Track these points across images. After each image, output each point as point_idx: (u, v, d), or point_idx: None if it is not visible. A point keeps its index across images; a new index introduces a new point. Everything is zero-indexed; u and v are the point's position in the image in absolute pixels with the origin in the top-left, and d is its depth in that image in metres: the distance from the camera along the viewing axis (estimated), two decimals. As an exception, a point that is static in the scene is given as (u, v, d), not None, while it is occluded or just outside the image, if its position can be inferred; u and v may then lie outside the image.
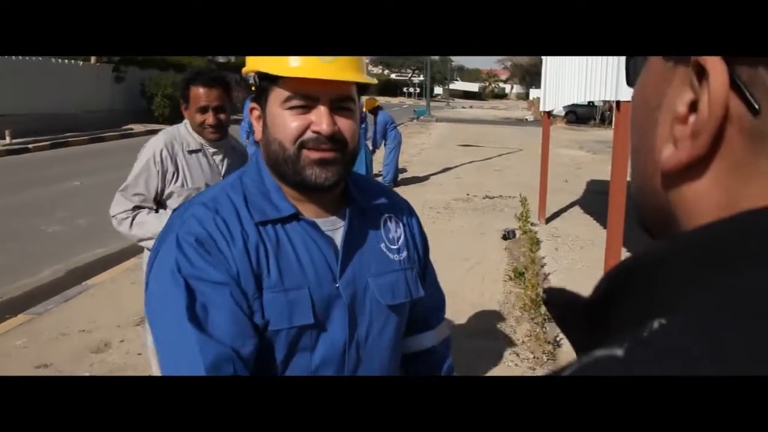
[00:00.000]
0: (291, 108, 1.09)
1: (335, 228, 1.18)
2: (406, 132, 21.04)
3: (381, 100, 11.62)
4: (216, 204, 1.11)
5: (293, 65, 1.07)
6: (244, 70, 1.16)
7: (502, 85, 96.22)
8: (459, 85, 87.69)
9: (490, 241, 6.96)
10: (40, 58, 16.79)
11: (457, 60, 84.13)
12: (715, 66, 0.35)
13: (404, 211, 1.34)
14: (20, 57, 15.83)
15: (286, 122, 1.10)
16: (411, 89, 62.96)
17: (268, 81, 1.10)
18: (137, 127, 18.90)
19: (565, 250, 6.54)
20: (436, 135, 21.86)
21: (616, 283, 0.37)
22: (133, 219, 2.62)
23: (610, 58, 4.49)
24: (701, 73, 0.35)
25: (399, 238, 1.28)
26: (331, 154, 1.10)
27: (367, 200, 1.25)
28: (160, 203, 2.69)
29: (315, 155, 1.09)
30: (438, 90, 77.46)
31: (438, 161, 13.72)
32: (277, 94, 1.10)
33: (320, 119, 1.08)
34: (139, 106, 20.66)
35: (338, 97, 1.11)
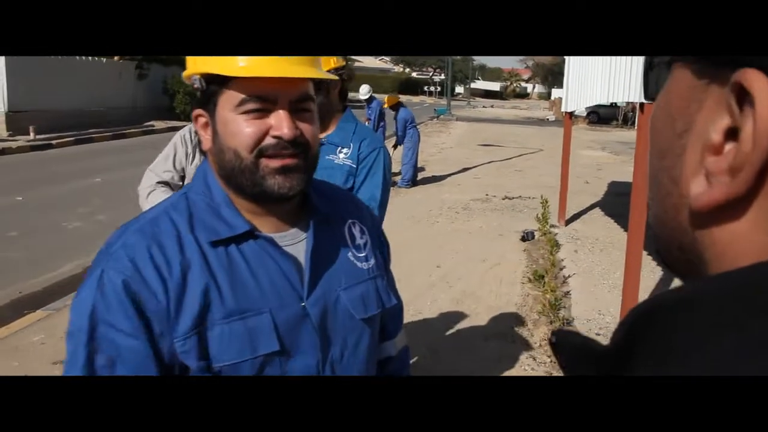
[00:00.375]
0: (246, 112, 0.98)
1: (297, 241, 1.08)
2: (426, 131, 20.98)
3: (402, 98, 11.56)
4: (154, 228, 1.00)
5: (242, 64, 0.97)
6: (185, 73, 1.04)
7: (523, 84, 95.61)
8: (480, 84, 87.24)
9: (508, 243, 6.89)
10: (63, 56, 17.01)
11: (479, 59, 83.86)
12: (763, 89, 0.29)
13: (366, 214, 1.25)
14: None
15: (241, 128, 0.98)
16: (432, 88, 62.79)
17: (216, 84, 1.00)
18: (159, 124, 19.05)
19: (584, 252, 6.46)
20: (456, 134, 21.76)
21: (637, 330, 0.33)
22: (149, 194, 2.63)
23: (635, 59, 4.41)
24: (743, 96, 0.30)
25: (365, 245, 1.18)
26: (293, 160, 1.00)
27: (330, 207, 1.14)
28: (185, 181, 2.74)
29: (276, 163, 0.99)
30: (459, 89, 77.18)
31: (457, 161, 13.64)
32: (229, 98, 0.99)
33: (280, 123, 0.98)
34: (161, 103, 20.82)
35: (297, 98, 1.01)
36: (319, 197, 1.13)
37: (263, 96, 0.98)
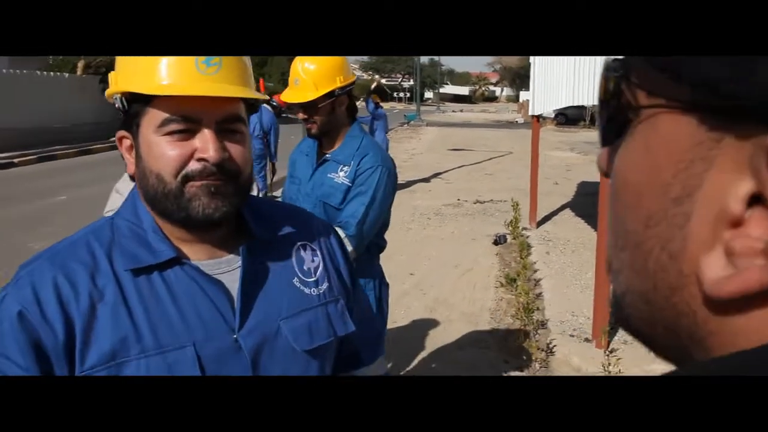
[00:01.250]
0: (169, 134, 0.92)
1: (231, 269, 1.00)
2: (396, 137, 21.02)
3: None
4: (67, 256, 0.93)
5: (165, 82, 0.91)
6: (108, 92, 0.98)
7: (492, 88, 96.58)
8: (449, 89, 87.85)
9: (481, 247, 6.90)
10: (25, 71, 16.70)
11: (447, 64, 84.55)
12: None
13: (323, 235, 1.14)
14: (3, 71, 15.73)
15: (164, 151, 0.92)
16: (401, 94, 63.06)
17: (139, 103, 0.93)
18: (125, 139, 18.79)
19: (556, 253, 6.49)
20: (426, 140, 21.83)
21: None
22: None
23: (597, 61, 4.44)
24: None
25: (317, 269, 1.09)
26: (220, 183, 0.93)
27: (272, 230, 1.06)
28: None
29: (201, 182, 0.93)
30: (428, 94, 77.63)
31: (428, 166, 13.67)
32: (151, 118, 0.92)
33: (206, 145, 0.91)
34: (127, 118, 20.56)
35: (224, 118, 0.94)
36: (260, 221, 1.06)
37: (187, 116, 0.91)
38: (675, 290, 0.30)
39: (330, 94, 2.25)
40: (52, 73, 18.27)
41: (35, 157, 14.48)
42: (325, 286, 1.09)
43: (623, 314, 0.35)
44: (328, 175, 2.28)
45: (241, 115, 0.97)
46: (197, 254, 0.99)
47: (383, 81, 76.17)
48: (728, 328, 0.28)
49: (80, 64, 19.68)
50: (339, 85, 2.25)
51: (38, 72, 17.55)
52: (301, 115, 2.30)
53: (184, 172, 0.92)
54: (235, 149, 0.95)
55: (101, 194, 2.95)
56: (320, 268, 1.10)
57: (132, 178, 1.01)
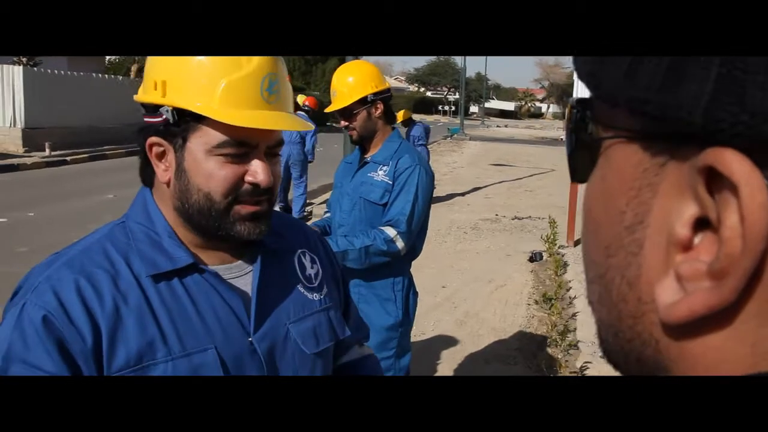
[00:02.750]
0: (223, 155, 0.94)
1: (243, 274, 1.04)
2: (439, 150, 21.00)
3: (416, 117, 11.58)
4: (85, 260, 0.93)
5: (228, 105, 0.91)
6: (145, 98, 0.97)
7: (538, 104, 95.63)
8: (495, 104, 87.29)
9: (516, 264, 6.84)
10: (82, 73, 17.26)
11: (494, 78, 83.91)
12: (747, 175, 0.24)
13: (318, 243, 1.21)
14: (59, 72, 16.27)
15: (216, 172, 0.94)
16: (446, 107, 62.91)
17: (191, 118, 0.93)
18: (173, 142, 19.22)
19: (592, 274, 6.39)
20: (468, 154, 21.75)
21: None
22: None
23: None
24: (715, 181, 0.25)
25: (317, 275, 1.14)
26: (264, 207, 0.99)
27: (277, 237, 1.10)
28: None
29: (248, 209, 0.97)
30: (474, 108, 77.31)
31: (468, 180, 13.62)
32: (204, 137, 0.93)
33: (259, 170, 0.95)
34: (176, 121, 21.05)
35: (275, 144, 0.99)
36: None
37: (245, 142, 0.94)
38: (637, 319, 0.30)
39: (363, 101, 2.42)
40: (107, 76, 18.84)
41: (87, 156, 14.95)
42: (324, 291, 1.14)
43: (602, 348, 0.35)
44: (368, 174, 2.44)
45: (282, 140, 1.02)
46: (210, 259, 1.02)
47: (428, 93, 76.20)
48: (687, 354, 0.28)
49: (134, 68, 20.28)
50: (371, 91, 2.42)
51: (94, 74, 18.12)
52: (342, 123, 2.49)
53: (235, 193, 0.96)
54: (275, 171, 1.00)
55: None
56: (319, 275, 1.15)
57: (144, 180, 1.02)
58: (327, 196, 6.28)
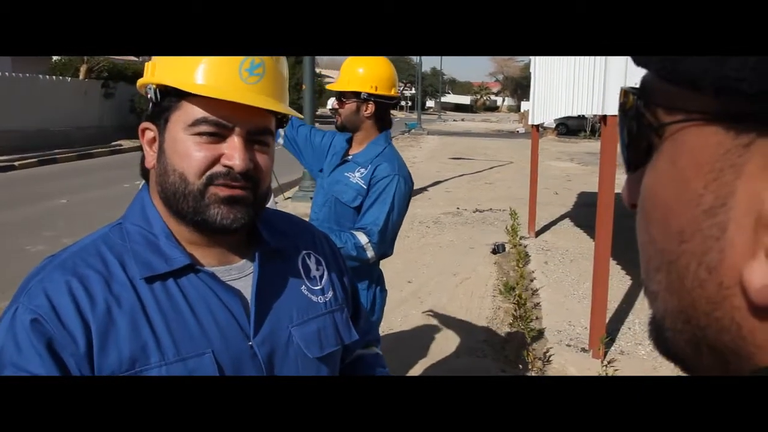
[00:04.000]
0: (198, 134, 0.91)
1: (243, 275, 1.01)
2: (397, 145, 20.93)
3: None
4: (78, 262, 0.91)
5: (204, 82, 0.90)
6: (140, 81, 0.96)
7: (493, 97, 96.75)
8: (451, 98, 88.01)
9: (479, 256, 6.91)
10: (27, 75, 16.75)
11: (449, 73, 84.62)
12: None
13: (324, 244, 1.17)
14: (4, 73, 15.76)
15: (191, 151, 0.91)
16: (402, 102, 63.16)
17: (172, 98, 0.92)
18: (126, 143, 18.79)
19: (555, 263, 6.50)
20: (426, 148, 21.86)
21: None
22: None
23: (596, 72, 4.46)
24: None
25: (322, 277, 1.11)
26: (241, 192, 0.93)
27: (281, 238, 1.07)
28: None
29: (224, 192, 0.92)
30: (430, 103, 77.75)
31: (428, 175, 13.68)
32: (182, 116, 0.92)
33: (233, 152, 0.91)
34: (128, 122, 20.54)
35: (256, 129, 0.94)
36: (270, 230, 1.06)
37: (220, 121, 0.91)
38: (716, 304, 0.29)
39: (357, 95, 2.42)
40: (54, 77, 18.32)
41: (36, 160, 14.50)
42: (330, 294, 1.11)
43: (662, 338, 0.34)
44: (345, 174, 2.41)
45: (270, 128, 0.97)
46: (209, 259, 0.99)
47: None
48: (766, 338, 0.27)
49: (82, 69, 19.73)
50: (368, 90, 2.42)
51: (40, 76, 17.59)
52: (334, 104, 2.50)
53: (208, 173, 0.92)
54: (259, 159, 0.95)
55: (102, 198, 2.95)
56: (325, 277, 1.12)
57: (144, 174, 1.01)
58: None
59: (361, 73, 2.43)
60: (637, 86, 0.34)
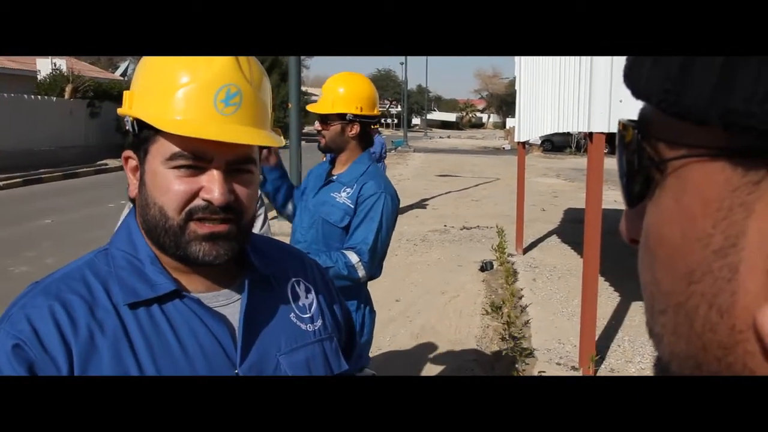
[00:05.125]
0: (177, 167, 0.90)
1: (230, 302, 0.98)
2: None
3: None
4: (62, 287, 0.90)
5: (180, 117, 0.88)
6: (120, 110, 0.96)
7: (479, 114, 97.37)
8: (437, 115, 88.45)
9: (467, 274, 6.89)
10: (12, 95, 16.65)
11: (434, 90, 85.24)
12: None
13: (315, 272, 1.15)
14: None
15: (170, 185, 0.90)
16: (389, 120, 63.42)
17: (150, 130, 0.90)
18: (112, 163, 18.68)
19: (543, 280, 6.50)
20: (413, 166, 21.93)
21: None
22: None
23: (581, 89, 4.49)
24: None
25: (311, 305, 1.08)
26: (223, 227, 0.91)
27: (270, 265, 1.05)
28: None
29: (204, 229, 0.90)
30: (416, 120, 78.12)
31: (415, 192, 13.70)
32: (161, 148, 0.90)
33: (212, 185, 0.89)
34: (114, 141, 20.46)
35: (235, 159, 0.92)
36: (260, 256, 1.05)
37: (197, 154, 0.89)
38: (728, 349, 0.27)
39: (342, 116, 2.40)
40: (39, 97, 18.22)
41: (21, 180, 14.37)
42: (319, 323, 1.09)
43: None
44: (331, 194, 2.40)
45: (252, 157, 0.95)
46: (196, 286, 0.97)
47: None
48: None
49: (68, 88, 19.64)
50: (354, 111, 2.41)
51: (25, 95, 17.50)
52: (316, 125, 2.47)
53: (188, 208, 0.90)
54: (241, 190, 0.93)
55: (87, 218, 2.92)
56: (314, 305, 1.10)
57: (132, 200, 0.99)
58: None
59: (343, 93, 2.42)
60: (636, 119, 0.33)
